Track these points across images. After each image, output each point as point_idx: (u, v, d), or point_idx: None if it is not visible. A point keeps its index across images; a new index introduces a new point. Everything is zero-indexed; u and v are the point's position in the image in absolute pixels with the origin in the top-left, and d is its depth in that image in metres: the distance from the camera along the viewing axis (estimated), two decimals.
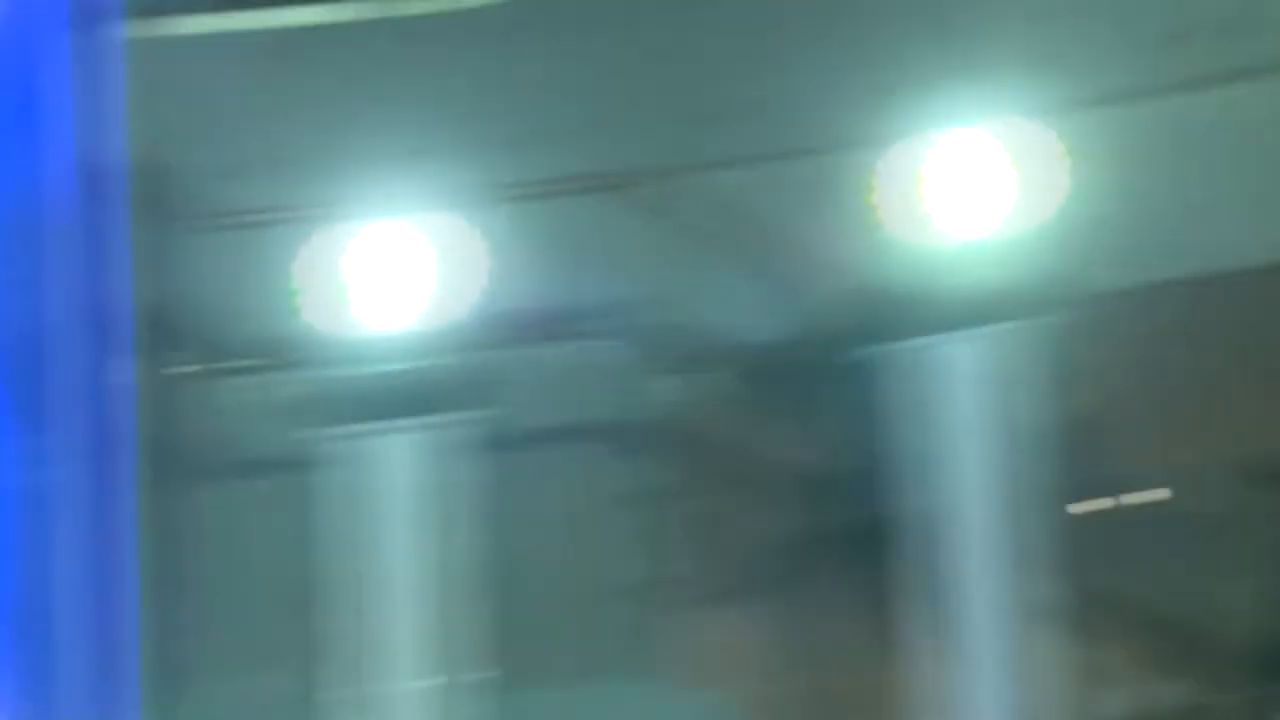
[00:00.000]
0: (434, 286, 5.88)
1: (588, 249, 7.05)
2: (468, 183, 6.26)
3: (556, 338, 6.35)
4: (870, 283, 5.68)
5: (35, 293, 3.83)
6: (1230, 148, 8.25)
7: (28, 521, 3.77)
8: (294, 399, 5.87)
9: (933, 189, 5.04)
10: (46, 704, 3.86)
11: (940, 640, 4.92)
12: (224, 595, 6.06)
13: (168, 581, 5.77)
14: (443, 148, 6.55)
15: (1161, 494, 9.44)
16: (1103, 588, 7.55)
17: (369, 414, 5.84)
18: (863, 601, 6.17)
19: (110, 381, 3.86)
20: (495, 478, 6.20)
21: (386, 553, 5.74)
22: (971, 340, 5.07)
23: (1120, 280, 7.71)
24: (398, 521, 5.82)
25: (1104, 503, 8.47)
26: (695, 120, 7.88)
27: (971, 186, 5.05)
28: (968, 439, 5.05)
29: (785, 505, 6.48)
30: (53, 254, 3.84)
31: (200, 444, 6.17)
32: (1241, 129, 8.21)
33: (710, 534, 6.79)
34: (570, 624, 6.18)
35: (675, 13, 7.86)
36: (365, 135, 6.45)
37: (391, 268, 5.87)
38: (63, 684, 3.87)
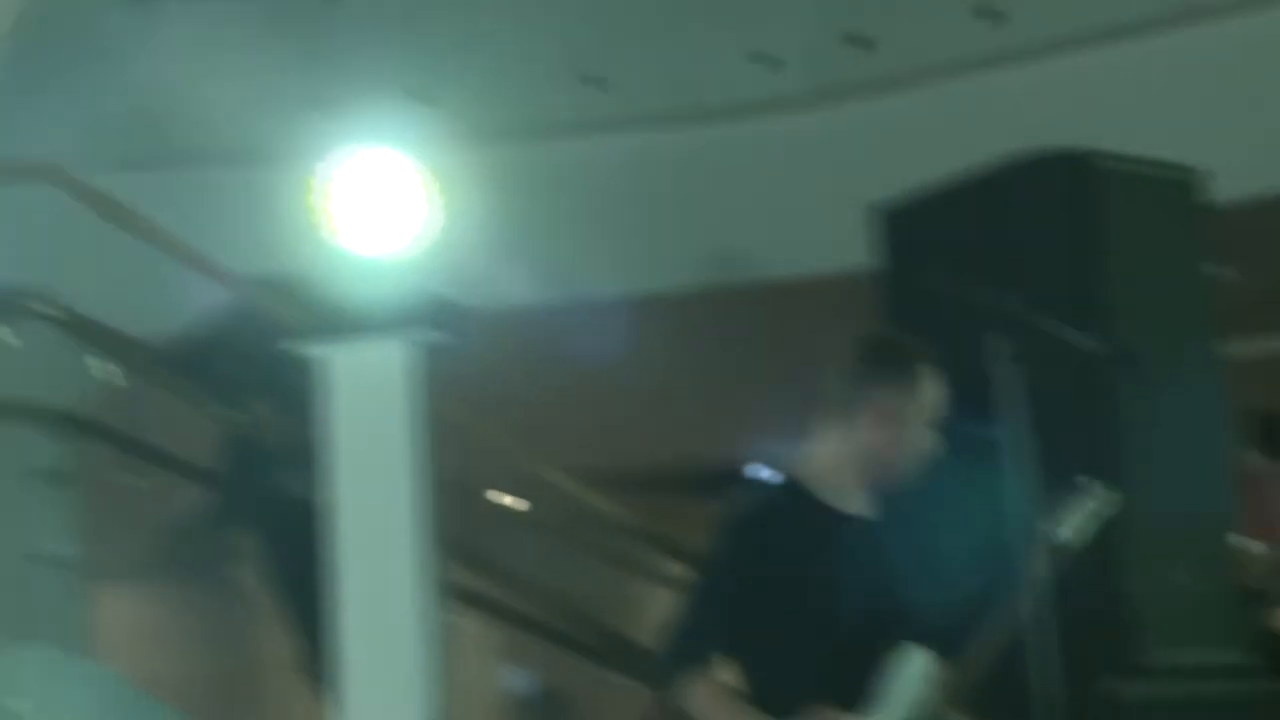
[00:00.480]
0: None
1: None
2: None
3: None
4: (286, 285, 6.00)
5: None
6: (613, 190, 8.90)
7: None
8: None
9: (348, 203, 5.31)
10: None
11: (342, 626, 5.21)
12: None
13: None
14: None
15: (523, 500, 10.04)
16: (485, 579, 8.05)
17: None
18: (269, 585, 6.44)
19: None
20: None
21: None
22: (375, 348, 5.36)
23: (496, 303, 8.24)
24: None
25: (484, 501, 8.98)
26: (123, 119, 8.04)
27: (381, 205, 5.36)
28: (372, 437, 5.36)
29: (199, 490, 6.70)
30: None
31: None
32: (630, 173, 8.87)
33: (120, 514, 6.96)
34: None
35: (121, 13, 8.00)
36: None
37: None
38: None
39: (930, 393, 4.57)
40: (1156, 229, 5.88)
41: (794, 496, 4.56)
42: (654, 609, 12.78)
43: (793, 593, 4.42)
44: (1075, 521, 4.71)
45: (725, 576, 4.47)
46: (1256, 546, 6.63)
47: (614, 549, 10.73)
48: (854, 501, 4.60)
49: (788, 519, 4.50)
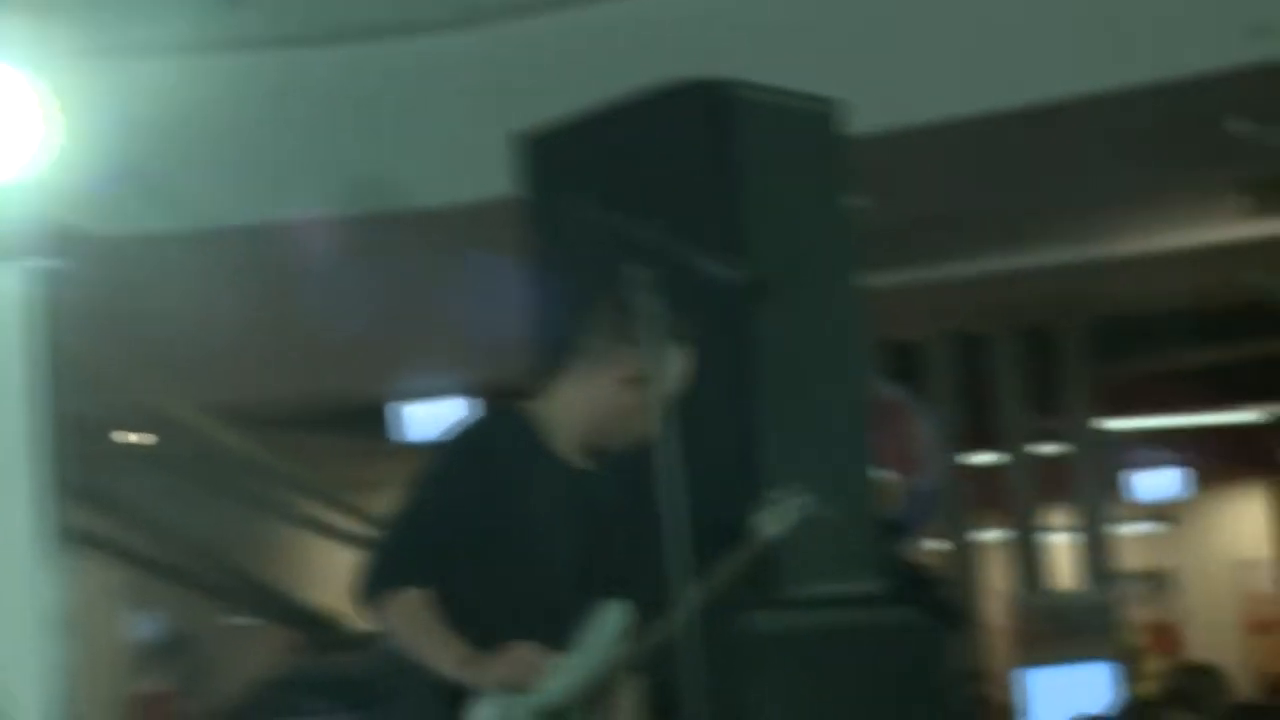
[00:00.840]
0: None
1: None
2: None
3: None
4: None
5: None
6: (249, 112, 8.73)
7: None
8: None
9: None
10: None
11: None
12: None
13: None
14: None
15: (148, 436, 9.86)
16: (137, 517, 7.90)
17: None
18: None
19: None
20: None
21: None
22: None
23: (123, 229, 8.05)
24: None
25: (109, 439, 8.81)
26: None
27: None
28: None
29: None
30: None
31: None
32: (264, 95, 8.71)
33: None
34: None
35: None
36: None
37: None
38: None
39: (677, 369, 4.67)
40: (795, 159, 5.98)
41: (518, 434, 4.65)
42: (287, 550, 12.71)
43: (501, 529, 4.52)
44: (779, 519, 4.86)
45: (436, 500, 4.55)
46: (891, 477, 6.83)
47: (246, 488, 10.60)
48: (576, 451, 4.72)
49: (508, 455, 4.59)
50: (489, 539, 4.51)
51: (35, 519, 5.13)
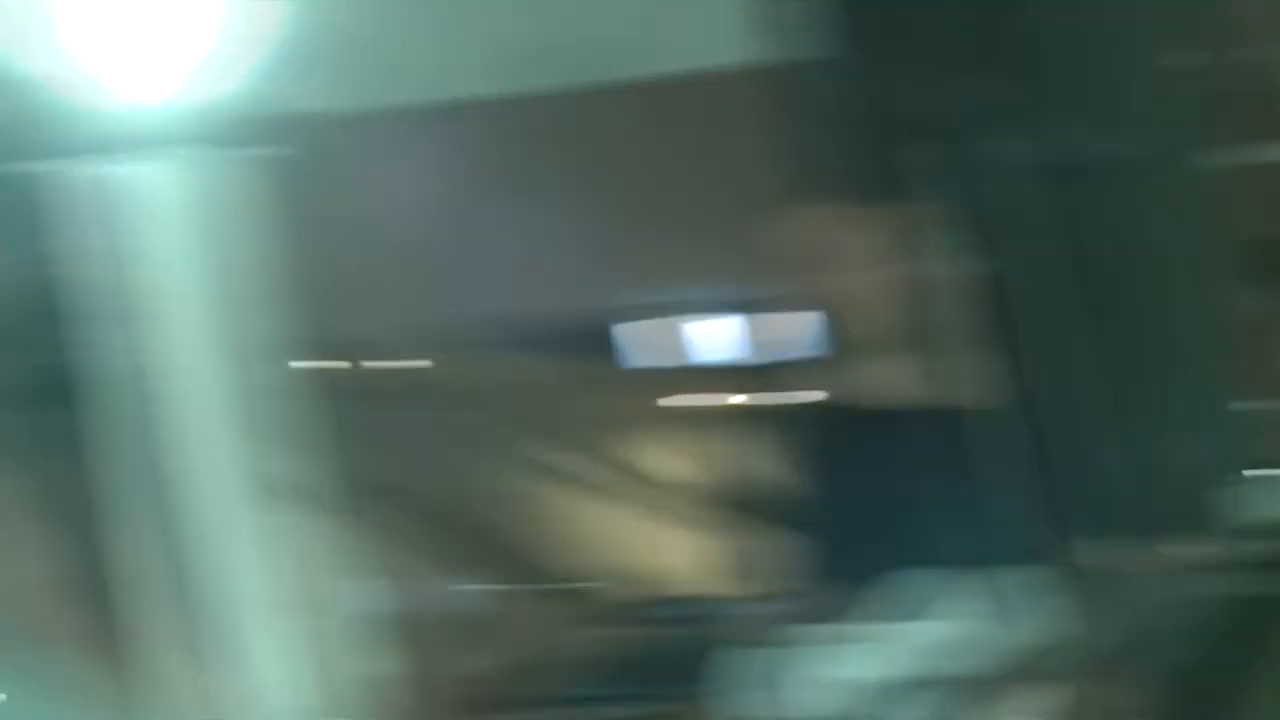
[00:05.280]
0: None
1: None
2: None
3: None
4: (37, 91, 5.86)
5: None
6: None
7: None
8: None
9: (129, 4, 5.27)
10: None
11: (153, 523, 5.15)
12: None
13: None
14: None
15: (412, 359, 10.09)
16: (356, 466, 8.14)
17: None
18: (46, 474, 6.40)
19: None
20: None
21: None
22: (169, 164, 5.31)
23: (348, 106, 8.25)
24: None
25: (343, 366, 8.95)
26: None
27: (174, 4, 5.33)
28: (171, 278, 5.30)
29: None
30: None
31: None
32: None
33: None
34: None
35: None
36: None
37: None
38: None
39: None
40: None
41: None
42: (521, 502, 12.91)
43: None
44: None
45: None
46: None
47: (470, 425, 10.79)
48: None
49: None
50: None
51: (243, 471, 5.18)
